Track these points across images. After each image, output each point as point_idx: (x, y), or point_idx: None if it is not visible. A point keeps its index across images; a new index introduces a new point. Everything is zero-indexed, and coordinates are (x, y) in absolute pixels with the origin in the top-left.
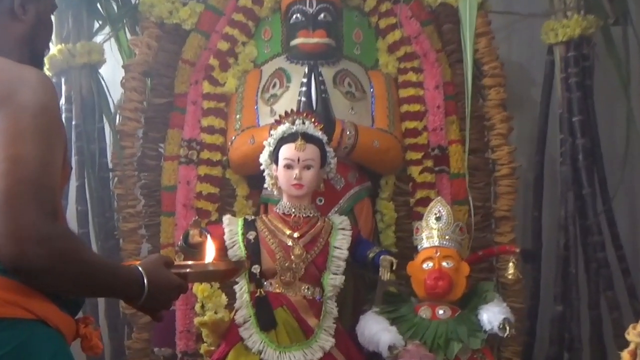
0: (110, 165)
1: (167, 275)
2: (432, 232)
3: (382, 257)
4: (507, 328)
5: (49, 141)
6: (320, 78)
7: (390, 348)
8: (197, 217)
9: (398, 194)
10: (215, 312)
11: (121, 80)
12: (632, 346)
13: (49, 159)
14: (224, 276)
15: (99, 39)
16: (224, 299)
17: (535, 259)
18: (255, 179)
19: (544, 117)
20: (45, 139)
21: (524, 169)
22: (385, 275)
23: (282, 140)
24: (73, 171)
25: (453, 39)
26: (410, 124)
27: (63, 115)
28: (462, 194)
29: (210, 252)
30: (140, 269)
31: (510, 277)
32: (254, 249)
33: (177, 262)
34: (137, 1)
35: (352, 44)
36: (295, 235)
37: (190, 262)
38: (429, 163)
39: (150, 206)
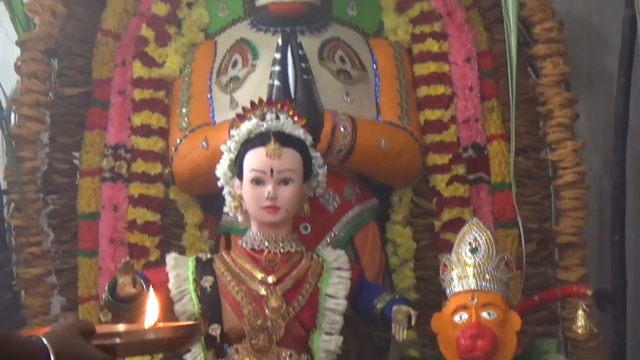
0: (2, 185)
1: (84, 349)
2: (467, 269)
3: (395, 307)
4: None
5: None
6: (301, 52)
7: None
8: (128, 258)
9: (417, 215)
10: None
11: (15, 63)
12: None
13: None
14: (169, 346)
15: None
16: None
17: (617, 303)
18: (211, 199)
19: (623, 97)
20: None
21: (597, 173)
22: (400, 333)
23: (248, 144)
24: None
25: None
26: (432, 114)
27: None
28: (509, 212)
29: (151, 311)
30: (44, 340)
31: (580, 331)
32: (211, 301)
33: (100, 329)
34: None
35: (344, 1)
36: (270, 279)
37: (120, 328)
38: (461, 169)
39: (63, 243)
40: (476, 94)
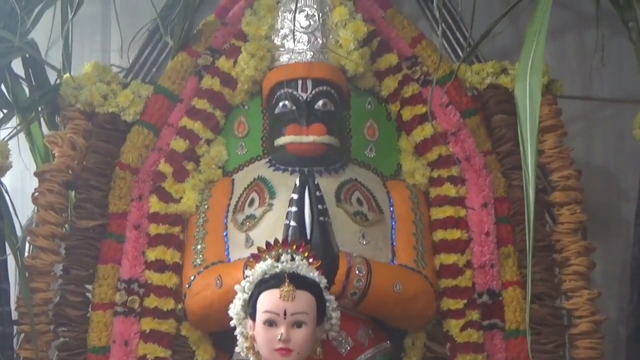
0: (14, 316)
1: None
2: None
3: None
4: None
5: None
6: (318, 193)
7: None
8: None
9: (430, 359)
10: None
11: (33, 194)
12: None
13: None
14: None
15: (2, 134)
16: None
17: None
18: (223, 337)
19: None
20: None
21: (613, 321)
22: None
23: (262, 285)
24: None
25: (508, 136)
26: (448, 259)
27: None
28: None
29: None
30: None
31: None
32: None
33: None
34: (57, 81)
35: (363, 143)
36: None
37: None
38: (475, 315)
39: None
40: (492, 239)
